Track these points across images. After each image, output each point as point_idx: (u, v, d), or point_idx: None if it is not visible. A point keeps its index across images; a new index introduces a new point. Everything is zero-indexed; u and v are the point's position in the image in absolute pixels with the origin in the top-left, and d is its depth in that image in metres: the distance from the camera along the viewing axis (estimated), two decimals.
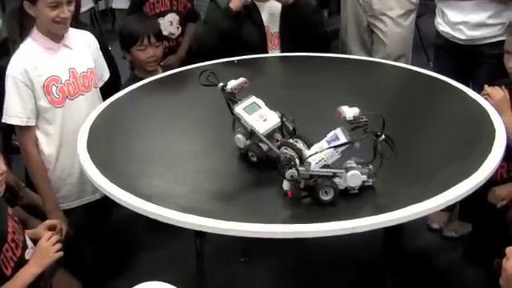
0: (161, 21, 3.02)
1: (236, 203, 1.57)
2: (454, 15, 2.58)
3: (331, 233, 1.42)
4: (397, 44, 3.10)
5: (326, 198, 1.50)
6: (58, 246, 1.76)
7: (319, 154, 1.49)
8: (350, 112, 1.48)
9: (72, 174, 2.19)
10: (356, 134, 1.50)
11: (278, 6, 2.71)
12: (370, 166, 1.53)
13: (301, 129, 1.69)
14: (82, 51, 2.22)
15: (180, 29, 3.13)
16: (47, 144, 2.15)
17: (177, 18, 3.11)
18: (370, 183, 1.54)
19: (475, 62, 2.56)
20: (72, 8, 2.09)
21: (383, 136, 1.48)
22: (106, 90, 2.43)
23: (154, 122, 2.06)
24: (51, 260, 1.74)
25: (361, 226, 1.42)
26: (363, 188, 1.53)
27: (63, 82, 2.11)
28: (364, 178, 1.52)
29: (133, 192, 1.60)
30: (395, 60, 2.97)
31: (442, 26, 2.65)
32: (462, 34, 2.56)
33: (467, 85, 2.18)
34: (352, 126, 1.48)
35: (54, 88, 2.09)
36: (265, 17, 2.73)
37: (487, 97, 2.13)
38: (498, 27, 2.50)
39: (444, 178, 1.57)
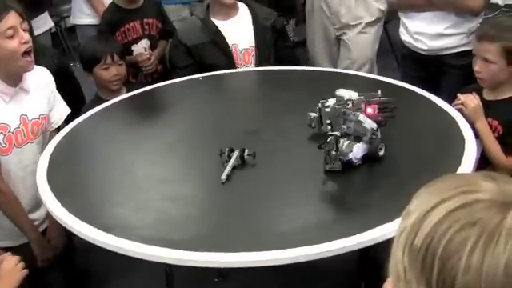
0: (135, 48, 2.98)
1: (202, 232, 1.50)
2: (414, 26, 2.56)
3: (303, 258, 1.37)
4: (362, 52, 3.05)
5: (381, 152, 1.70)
6: (22, 264, 1.72)
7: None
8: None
9: None
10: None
11: (247, 21, 2.68)
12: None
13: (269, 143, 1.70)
14: (39, 94, 2.09)
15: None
16: None
17: (149, 43, 3.06)
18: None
19: (440, 73, 2.53)
20: (28, 35, 1.94)
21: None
22: (71, 111, 2.37)
23: (116, 146, 1.99)
24: (18, 279, 1.71)
25: (333, 250, 1.36)
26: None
27: (12, 130, 1.98)
28: None
29: (93, 223, 1.53)
30: (360, 66, 2.95)
31: (405, 36, 2.63)
32: (423, 45, 2.54)
33: (436, 95, 2.14)
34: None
35: (1, 136, 1.96)
36: (231, 36, 2.69)
37: (461, 106, 2.09)
38: (460, 37, 2.48)
39: (412, 194, 1.51)
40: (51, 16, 5.28)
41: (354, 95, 1.75)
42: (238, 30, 2.70)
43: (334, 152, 1.64)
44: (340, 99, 1.76)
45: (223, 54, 2.66)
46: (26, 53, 1.94)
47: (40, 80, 2.13)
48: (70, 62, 5.46)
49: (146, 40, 3.05)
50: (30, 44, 1.95)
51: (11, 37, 1.88)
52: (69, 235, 2.26)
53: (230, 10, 2.69)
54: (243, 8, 2.76)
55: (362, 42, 3.04)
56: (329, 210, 1.57)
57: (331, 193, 1.65)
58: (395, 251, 0.74)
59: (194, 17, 2.78)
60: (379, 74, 3.62)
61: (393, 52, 4.44)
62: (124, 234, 1.47)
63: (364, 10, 3.00)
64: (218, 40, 2.67)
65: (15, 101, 2.00)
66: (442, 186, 0.75)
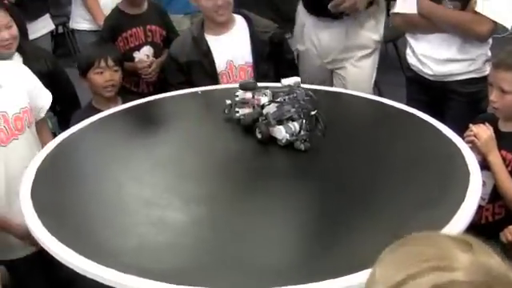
0: (136, 55, 2.91)
1: (184, 263, 1.41)
2: (421, 49, 2.46)
3: None
4: (358, 87, 2.76)
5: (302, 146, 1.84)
6: None
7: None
8: (288, 80, 1.89)
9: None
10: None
11: (243, 35, 2.60)
12: (295, 127, 1.83)
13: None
14: (15, 87, 2.05)
15: None
16: None
17: (152, 50, 2.98)
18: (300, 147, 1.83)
19: (445, 99, 2.43)
20: (13, 32, 2.00)
21: (315, 112, 1.81)
22: (64, 115, 2.38)
23: (105, 162, 1.91)
24: None
25: None
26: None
27: None
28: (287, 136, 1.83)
29: (72, 246, 1.44)
30: None
31: (411, 59, 2.53)
32: (429, 70, 2.44)
33: (440, 121, 2.04)
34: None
35: None
36: (225, 52, 2.60)
37: (473, 138, 2.00)
38: (467, 63, 2.38)
39: (410, 232, 1.40)
40: (58, 16, 5.28)
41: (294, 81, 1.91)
42: (234, 46, 2.60)
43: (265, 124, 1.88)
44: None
45: (210, 79, 2.56)
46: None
47: (13, 74, 2.09)
48: (74, 62, 5.46)
49: (148, 47, 2.98)
50: (7, 36, 2.08)
51: None
52: None
53: (224, 26, 2.61)
54: (240, 21, 2.64)
55: (357, 77, 2.83)
56: (318, 245, 1.46)
57: (321, 226, 1.54)
58: None
59: (189, 31, 2.69)
60: (386, 91, 3.55)
61: (401, 69, 4.36)
62: (103, 261, 1.38)
63: (357, 43, 2.78)
64: (205, 63, 2.58)
65: None
66: (411, 253, 0.66)
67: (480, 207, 2.00)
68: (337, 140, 1.94)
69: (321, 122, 1.81)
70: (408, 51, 2.55)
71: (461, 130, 2.00)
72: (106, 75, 2.55)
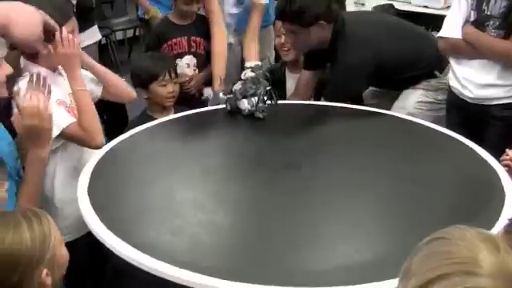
0: (178, 62, 3.02)
1: (237, 260, 1.52)
2: (463, 72, 2.52)
3: None
4: None
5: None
6: None
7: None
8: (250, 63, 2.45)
9: None
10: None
11: None
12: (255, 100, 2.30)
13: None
14: None
15: (197, 71, 3.09)
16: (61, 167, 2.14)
17: (194, 60, 3.09)
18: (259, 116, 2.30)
19: (483, 123, 2.49)
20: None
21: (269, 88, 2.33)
22: (111, 126, 2.42)
23: (158, 166, 2.02)
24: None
25: None
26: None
27: (68, 105, 2.11)
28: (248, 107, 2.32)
29: (129, 242, 1.56)
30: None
31: (453, 82, 2.59)
32: (470, 93, 2.50)
33: (477, 144, 2.12)
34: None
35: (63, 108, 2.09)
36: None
37: (509, 162, 2.05)
38: (507, 89, 2.43)
39: None
40: (102, 28, 5.44)
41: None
42: None
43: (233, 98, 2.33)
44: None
45: None
46: None
47: None
48: (117, 73, 5.60)
49: (190, 57, 3.07)
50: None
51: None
52: None
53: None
54: None
55: None
56: (362, 251, 1.55)
57: (367, 234, 1.64)
58: None
59: None
60: None
61: None
62: (156, 256, 1.49)
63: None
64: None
65: (58, 82, 2.12)
66: (444, 252, 0.75)
67: None
68: (377, 159, 2.04)
69: (274, 96, 2.32)
70: (450, 74, 2.61)
71: (499, 154, 2.07)
72: (169, 87, 2.69)
